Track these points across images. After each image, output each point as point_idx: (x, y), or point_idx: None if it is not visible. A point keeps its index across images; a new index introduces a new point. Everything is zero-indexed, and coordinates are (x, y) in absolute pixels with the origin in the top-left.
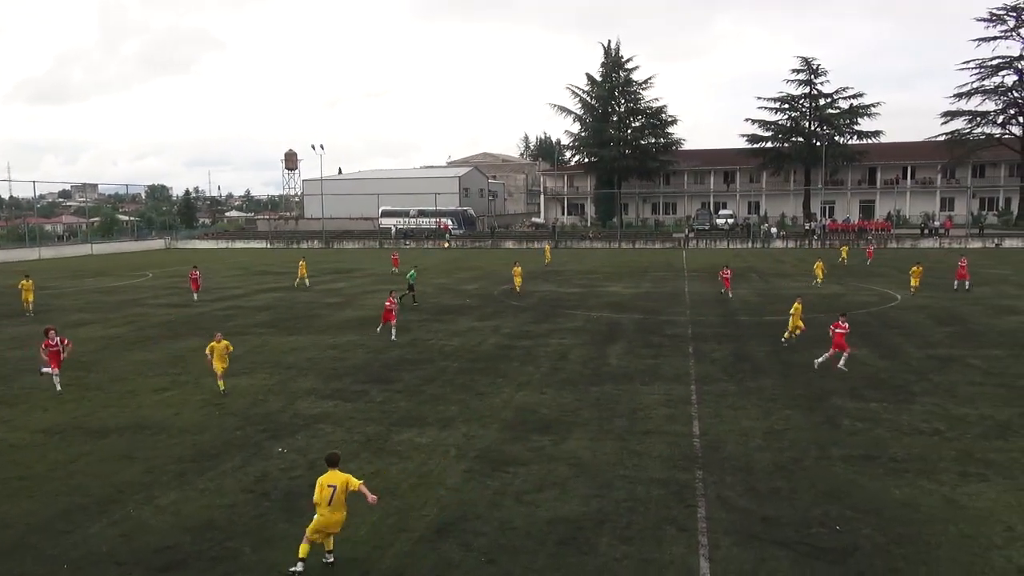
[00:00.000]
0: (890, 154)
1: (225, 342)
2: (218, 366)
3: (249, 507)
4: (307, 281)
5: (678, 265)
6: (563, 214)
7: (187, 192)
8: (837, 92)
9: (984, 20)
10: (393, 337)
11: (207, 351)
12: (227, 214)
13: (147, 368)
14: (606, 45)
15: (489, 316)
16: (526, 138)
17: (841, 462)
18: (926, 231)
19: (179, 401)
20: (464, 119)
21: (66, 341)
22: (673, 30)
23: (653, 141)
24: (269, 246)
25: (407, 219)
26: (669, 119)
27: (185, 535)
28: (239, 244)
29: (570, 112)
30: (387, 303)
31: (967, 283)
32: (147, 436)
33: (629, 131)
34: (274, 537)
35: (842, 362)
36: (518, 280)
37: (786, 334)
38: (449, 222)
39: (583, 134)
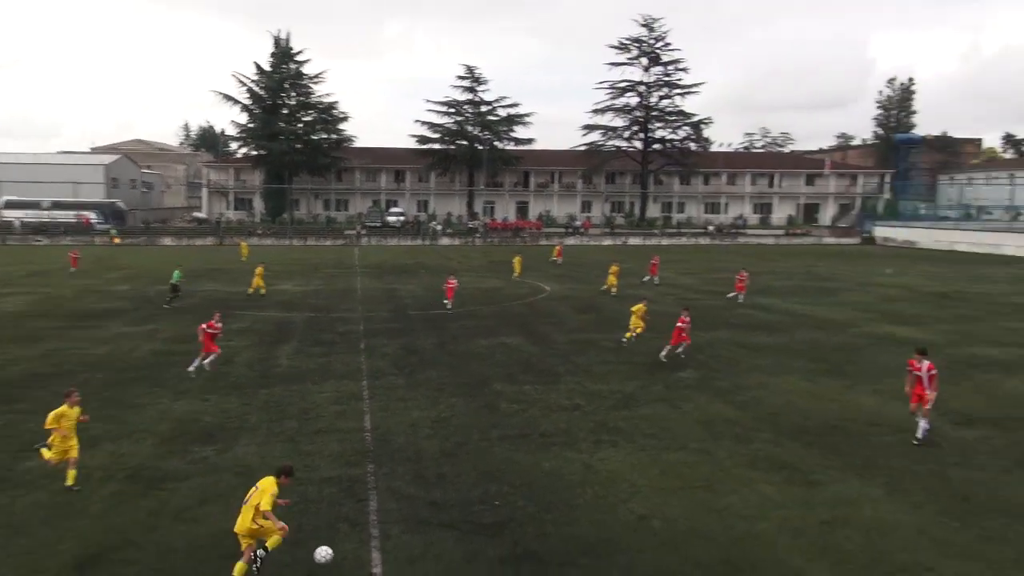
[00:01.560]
0: (541, 160)
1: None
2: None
3: None
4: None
5: (350, 262)
6: (229, 209)
7: None
8: (497, 101)
9: (614, 47)
10: (205, 365)
11: None
12: None
13: None
14: (276, 35)
15: (144, 320)
16: (187, 126)
17: (500, 442)
18: (569, 230)
19: None
20: (114, 101)
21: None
22: (346, 28)
23: (325, 137)
24: None
25: (38, 211)
26: (341, 115)
27: None
28: None
29: (236, 101)
30: (208, 326)
31: (656, 279)
32: None
33: (300, 125)
34: None
35: (681, 349)
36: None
37: (628, 334)
38: (92, 215)
39: (251, 125)
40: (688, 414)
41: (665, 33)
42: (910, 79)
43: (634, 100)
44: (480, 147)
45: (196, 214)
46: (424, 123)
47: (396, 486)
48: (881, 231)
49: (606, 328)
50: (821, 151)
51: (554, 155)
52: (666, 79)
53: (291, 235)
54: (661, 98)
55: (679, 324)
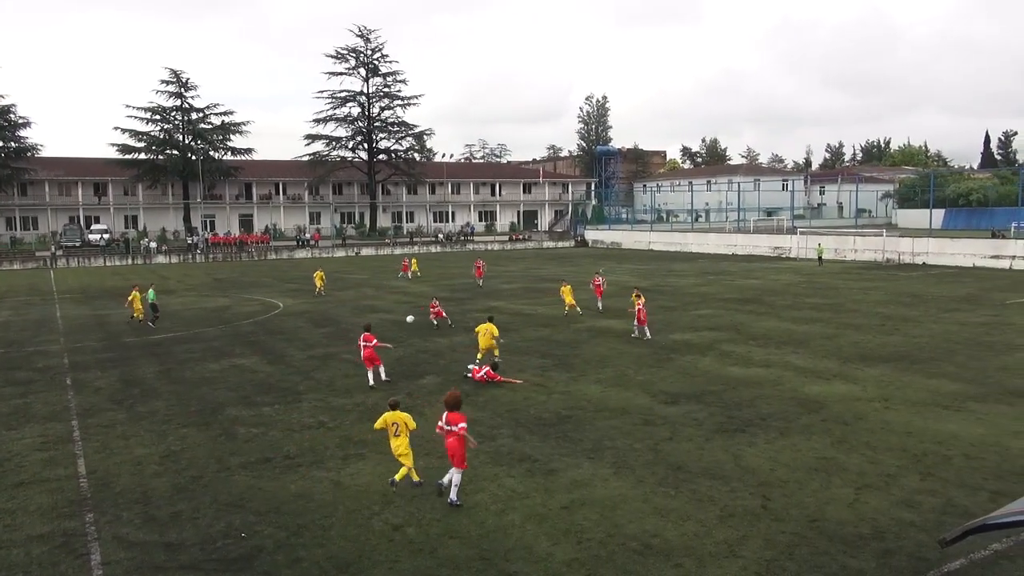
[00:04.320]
0: (264, 171)
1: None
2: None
3: None
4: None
5: (46, 287)
6: None
7: None
8: (208, 107)
9: (332, 57)
10: (384, 378)
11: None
12: None
13: None
14: None
15: None
16: None
17: (241, 470)
18: (300, 243)
19: None
20: None
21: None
22: (24, 19)
23: (2, 145)
24: None
25: None
26: (20, 120)
27: None
28: None
29: None
30: (364, 339)
31: (480, 281)
32: None
33: None
34: None
35: (645, 334)
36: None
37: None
38: None
39: None
40: (433, 419)
41: (382, 45)
42: (604, 96)
43: (356, 110)
44: (194, 157)
45: None
46: (125, 131)
47: (123, 533)
48: (591, 234)
49: (343, 340)
50: (535, 161)
51: (277, 165)
52: (386, 90)
53: None
54: (383, 109)
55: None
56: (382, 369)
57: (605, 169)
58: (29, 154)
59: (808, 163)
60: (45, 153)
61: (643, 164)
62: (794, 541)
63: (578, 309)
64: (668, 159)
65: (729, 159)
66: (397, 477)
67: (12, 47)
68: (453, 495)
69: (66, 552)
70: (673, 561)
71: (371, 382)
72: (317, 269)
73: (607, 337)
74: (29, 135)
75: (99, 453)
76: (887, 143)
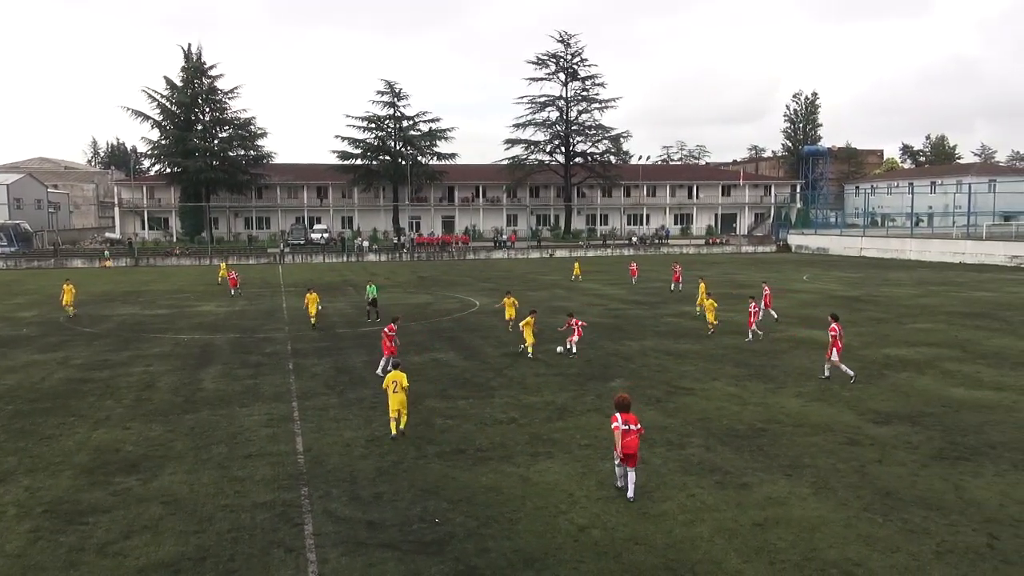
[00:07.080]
0: (466, 175)
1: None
2: None
3: None
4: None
5: (275, 281)
6: (144, 229)
7: None
8: (418, 116)
9: (533, 63)
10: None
11: None
12: None
13: None
14: (186, 48)
15: (54, 347)
16: (94, 143)
17: (436, 459)
18: (497, 243)
19: None
20: (11, 117)
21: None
22: (261, 39)
23: (243, 153)
24: None
25: None
26: (259, 131)
27: None
28: None
29: (147, 117)
30: (388, 330)
31: (679, 286)
32: None
33: (216, 142)
34: None
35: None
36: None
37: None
38: None
39: (163, 142)
40: None
41: (581, 49)
42: (814, 93)
43: (554, 115)
44: (403, 162)
45: (109, 235)
46: (345, 139)
47: (332, 508)
48: (795, 239)
49: (539, 340)
50: (735, 163)
51: (478, 169)
52: (584, 94)
53: (211, 254)
54: (580, 112)
55: (832, 333)
56: (387, 361)
57: (812, 170)
58: (265, 161)
59: None
60: (276, 160)
61: (856, 164)
62: None
63: (773, 313)
64: (885, 158)
65: (959, 157)
66: (395, 429)
67: (251, 65)
68: (632, 492)
69: (284, 520)
70: None
71: (379, 371)
72: (509, 294)
73: (809, 348)
74: (265, 144)
75: (314, 433)
76: None
